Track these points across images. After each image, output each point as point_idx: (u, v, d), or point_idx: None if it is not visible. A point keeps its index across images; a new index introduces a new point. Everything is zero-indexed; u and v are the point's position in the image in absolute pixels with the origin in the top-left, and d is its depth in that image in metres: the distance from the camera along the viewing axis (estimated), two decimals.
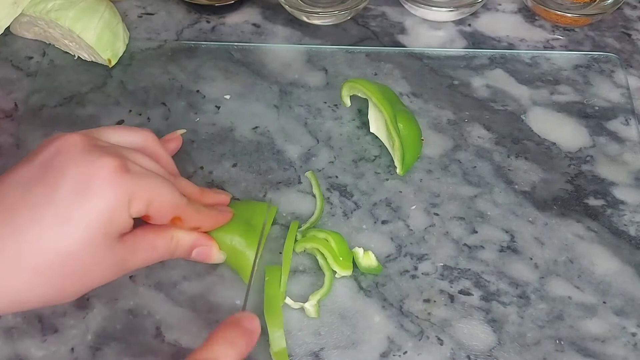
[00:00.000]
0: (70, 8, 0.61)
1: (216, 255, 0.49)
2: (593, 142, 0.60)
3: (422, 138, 0.57)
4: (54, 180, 0.41)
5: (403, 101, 0.61)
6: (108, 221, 0.41)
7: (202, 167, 0.58)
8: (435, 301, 0.51)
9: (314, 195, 0.56)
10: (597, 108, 0.62)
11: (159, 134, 0.59)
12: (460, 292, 0.52)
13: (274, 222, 0.54)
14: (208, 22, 0.68)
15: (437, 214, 0.55)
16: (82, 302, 0.51)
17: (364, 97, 0.57)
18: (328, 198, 0.56)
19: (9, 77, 0.64)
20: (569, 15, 0.66)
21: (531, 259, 0.53)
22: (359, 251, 0.52)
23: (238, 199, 0.56)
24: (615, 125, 0.61)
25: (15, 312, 0.47)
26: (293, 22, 0.68)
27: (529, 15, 0.69)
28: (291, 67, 0.65)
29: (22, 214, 0.40)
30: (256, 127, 0.60)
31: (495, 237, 0.54)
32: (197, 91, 0.63)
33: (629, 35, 0.68)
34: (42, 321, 0.50)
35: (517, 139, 0.60)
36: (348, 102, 0.60)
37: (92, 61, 0.64)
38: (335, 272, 0.51)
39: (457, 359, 0.49)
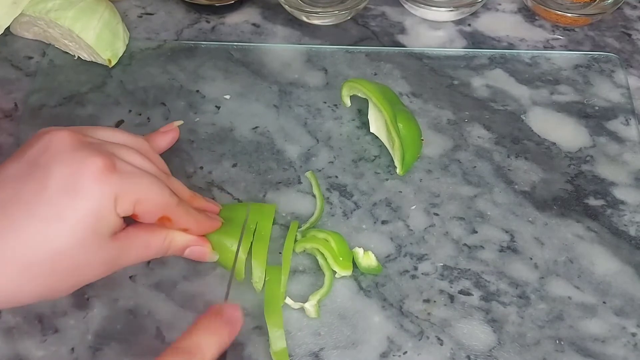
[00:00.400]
0: (69, 8, 0.61)
1: (209, 255, 0.49)
2: (593, 142, 0.60)
3: (422, 138, 0.57)
4: (42, 178, 0.41)
5: (403, 101, 0.61)
6: (96, 220, 0.41)
7: (201, 167, 0.58)
8: (435, 301, 0.51)
9: (313, 195, 0.56)
10: (597, 108, 0.62)
11: None
12: (460, 292, 0.52)
13: (274, 222, 0.54)
14: (208, 22, 0.68)
15: (437, 214, 0.55)
16: (82, 302, 0.51)
17: (364, 97, 0.57)
18: (328, 198, 0.56)
19: (8, 77, 0.64)
20: (569, 15, 0.66)
21: (531, 259, 0.53)
22: (359, 251, 0.52)
23: (239, 200, 0.56)
24: (615, 125, 0.61)
25: (7, 308, 0.47)
26: (293, 22, 0.68)
27: (529, 15, 0.69)
28: (291, 67, 0.65)
29: (13, 211, 0.40)
30: (256, 127, 0.60)
31: (495, 237, 0.54)
32: (197, 91, 0.63)
33: (629, 35, 0.68)
34: (42, 321, 0.50)
35: (517, 139, 0.60)
36: (348, 102, 0.60)
37: (91, 61, 0.64)
38: (335, 272, 0.51)
39: (457, 359, 0.49)
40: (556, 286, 0.52)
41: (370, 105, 0.57)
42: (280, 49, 0.66)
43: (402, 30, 0.68)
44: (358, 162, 0.58)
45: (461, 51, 0.66)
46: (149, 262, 0.52)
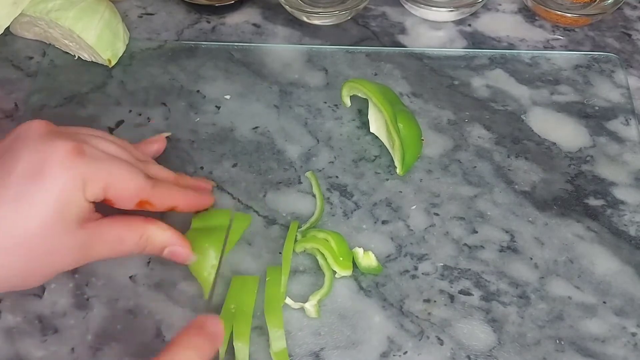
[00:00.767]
0: (70, 8, 0.61)
1: (189, 256, 0.48)
2: (593, 142, 0.60)
3: (422, 138, 0.57)
4: (10, 163, 0.41)
5: (403, 101, 0.61)
6: (63, 204, 0.41)
7: (202, 167, 0.58)
8: (435, 301, 0.51)
9: (314, 195, 0.56)
10: (597, 108, 0.62)
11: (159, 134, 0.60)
12: (461, 292, 0.52)
13: (274, 222, 0.54)
14: (208, 22, 0.68)
15: (437, 214, 0.55)
16: (82, 302, 0.51)
17: (364, 97, 0.57)
18: (328, 198, 0.56)
19: (9, 77, 0.64)
20: (569, 15, 0.66)
21: (531, 259, 0.53)
22: (359, 251, 0.52)
23: (239, 200, 0.56)
24: (615, 125, 0.61)
25: None
26: (293, 22, 0.68)
27: (529, 15, 0.69)
28: (291, 67, 0.65)
29: None
30: (256, 127, 0.61)
31: (495, 237, 0.54)
32: (198, 91, 0.63)
33: (629, 35, 0.68)
34: (42, 321, 0.50)
35: (517, 139, 0.60)
36: (348, 102, 0.60)
37: (92, 61, 0.64)
38: (335, 272, 0.51)
39: (457, 359, 0.49)
40: (556, 286, 0.52)
41: (371, 105, 0.57)
42: (281, 49, 0.66)
43: (403, 31, 0.68)
44: (358, 162, 0.58)
45: (461, 51, 0.66)
46: (149, 262, 0.52)
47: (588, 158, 0.59)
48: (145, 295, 0.51)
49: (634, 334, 0.50)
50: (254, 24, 0.68)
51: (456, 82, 0.64)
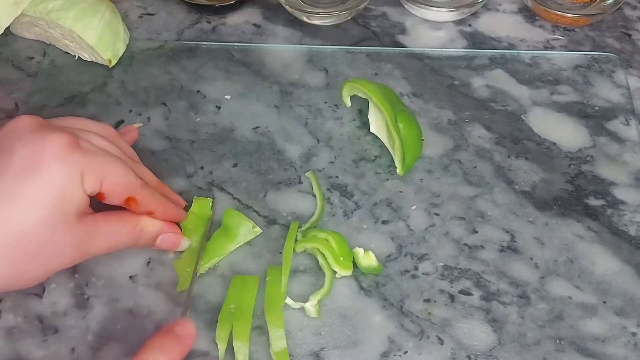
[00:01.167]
0: (70, 8, 0.61)
1: (183, 242, 0.50)
2: (593, 142, 0.60)
3: (423, 138, 0.57)
4: (5, 159, 0.41)
5: (403, 101, 0.61)
6: (61, 197, 0.41)
7: (202, 167, 0.58)
8: (435, 301, 0.51)
9: (314, 195, 0.56)
10: (597, 108, 0.62)
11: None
12: (461, 292, 0.52)
13: (275, 222, 0.54)
14: (209, 22, 0.68)
15: (437, 214, 0.55)
16: (82, 302, 0.51)
17: (365, 97, 0.57)
18: (328, 198, 0.56)
19: (9, 78, 0.64)
20: (569, 15, 0.66)
21: (531, 258, 0.53)
22: (359, 251, 0.52)
23: (239, 200, 0.56)
24: (615, 125, 0.61)
25: None
26: (294, 22, 0.68)
27: (529, 15, 0.69)
28: (292, 68, 0.65)
29: None
30: (257, 127, 0.61)
31: (496, 237, 0.54)
32: (198, 91, 0.63)
33: (629, 35, 0.68)
34: (42, 321, 0.50)
35: (517, 139, 0.60)
36: (348, 102, 0.60)
37: (92, 61, 0.64)
38: (335, 272, 0.51)
39: (457, 358, 0.49)
40: (556, 286, 0.52)
41: (371, 106, 0.57)
42: (281, 49, 0.66)
43: (403, 31, 0.68)
44: (359, 162, 0.58)
45: (461, 51, 0.66)
46: (149, 262, 0.53)
47: (588, 158, 0.59)
48: (145, 295, 0.51)
49: (634, 334, 0.50)
50: (255, 24, 0.68)
51: (456, 82, 0.64)
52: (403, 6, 0.69)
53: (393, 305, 0.51)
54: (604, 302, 0.51)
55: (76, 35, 0.61)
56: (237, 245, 0.53)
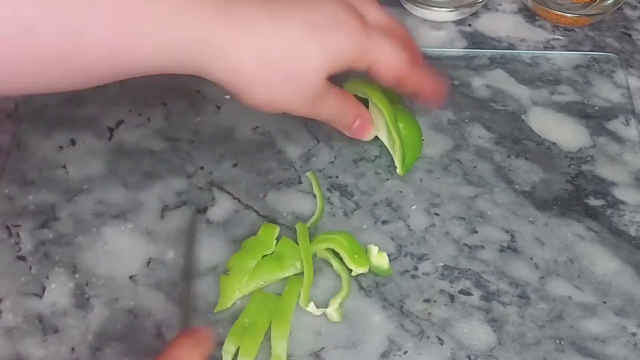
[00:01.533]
0: None
1: (372, 131, 0.55)
2: (593, 142, 0.60)
3: (423, 138, 0.57)
4: (319, 4, 0.46)
5: (404, 101, 0.61)
6: (336, 59, 0.46)
7: (202, 167, 0.58)
8: (435, 301, 0.51)
9: (314, 195, 0.56)
10: (597, 108, 0.62)
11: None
12: (461, 292, 0.52)
13: (275, 222, 0.54)
14: None
15: (437, 214, 0.55)
16: (82, 302, 0.51)
17: (364, 97, 0.57)
18: (328, 198, 0.56)
19: None
20: (569, 15, 0.66)
21: (531, 258, 0.53)
22: (374, 249, 0.51)
23: (239, 200, 0.56)
24: (615, 125, 0.61)
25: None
26: None
27: (529, 15, 0.69)
28: None
29: (286, 10, 0.45)
30: (257, 127, 0.61)
31: (496, 237, 0.54)
32: (198, 91, 0.63)
33: (629, 35, 0.68)
34: (42, 321, 0.50)
35: (517, 139, 0.60)
36: None
37: None
38: (351, 271, 0.51)
39: (457, 358, 0.49)
40: (556, 286, 0.52)
41: (371, 106, 0.57)
42: None
43: None
44: (358, 162, 0.58)
45: (461, 51, 0.66)
46: (149, 262, 0.53)
47: (588, 158, 0.59)
48: (145, 295, 0.51)
49: (634, 334, 0.50)
50: None
51: (456, 82, 0.64)
52: (403, 6, 0.69)
53: (393, 305, 0.51)
54: (604, 302, 0.51)
55: None
56: (285, 276, 0.51)
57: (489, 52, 0.66)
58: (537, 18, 0.69)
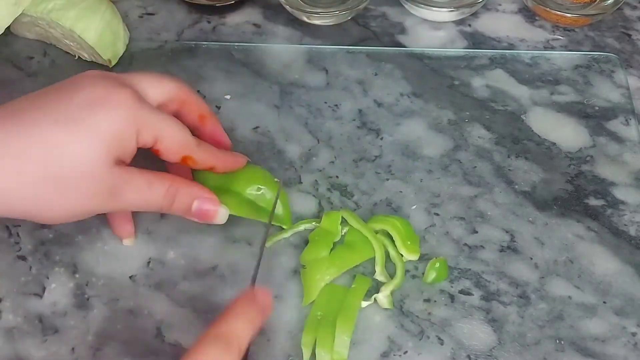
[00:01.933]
0: (71, 8, 0.61)
1: (220, 213, 0.48)
2: (593, 142, 0.60)
3: (277, 179, 0.54)
4: (70, 92, 0.42)
5: (404, 101, 0.61)
6: (115, 140, 0.42)
7: None
8: (435, 301, 0.51)
9: (314, 196, 0.56)
10: (597, 108, 0.62)
11: None
12: (461, 292, 0.52)
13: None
14: (209, 22, 0.68)
15: (437, 214, 0.55)
16: (82, 302, 0.51)
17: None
18: (328, 198, 0.56)
19: (9, 78, 0.64)
20: (569, 15, 0.66)
21: (531, 258, 0.53)
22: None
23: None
24: (615, 125, 0.61)
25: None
26: (294, 22, 0.68)
27: (529, 15, 0.69)
28: (292, 67, 0.65)
29: (30, 114, 0.41)
30: (257, 127, 0.61)
31: (496, 237, 0.54)
32: (198, 91, 0.63)
33: (629, 35, 0.68)
34: (42, 321, 0.50)
35: (517, 139, 0.60)
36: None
37: (92, 61, 0.64)
38: (402, 256, 0.51)
39: (457, 358, 0.49)
40: (556, 286, 0.52)
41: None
42: (281, 49, 0.66)
43: (403, 31, 0.68)
44: (359, 162, 0.58)
45: (461, 51, 0.66)
46: (149, 262, 0.53)
47: (588, 158, 0.59)
48: (145, 295, 0.51)
49: (634, 334, 0.50)
50: (255, 24, 0.68)
51: (456, 82, 0.64)
52: (403, 6, 0.69)
53: (393, 305, 0.51)
54: (604, 302, 0.51)
55: (76, 35, 0.61)
56: (359, 262, 0.52)
57: (489, 52, 0.66)
58: (537, 18, 0.69)
